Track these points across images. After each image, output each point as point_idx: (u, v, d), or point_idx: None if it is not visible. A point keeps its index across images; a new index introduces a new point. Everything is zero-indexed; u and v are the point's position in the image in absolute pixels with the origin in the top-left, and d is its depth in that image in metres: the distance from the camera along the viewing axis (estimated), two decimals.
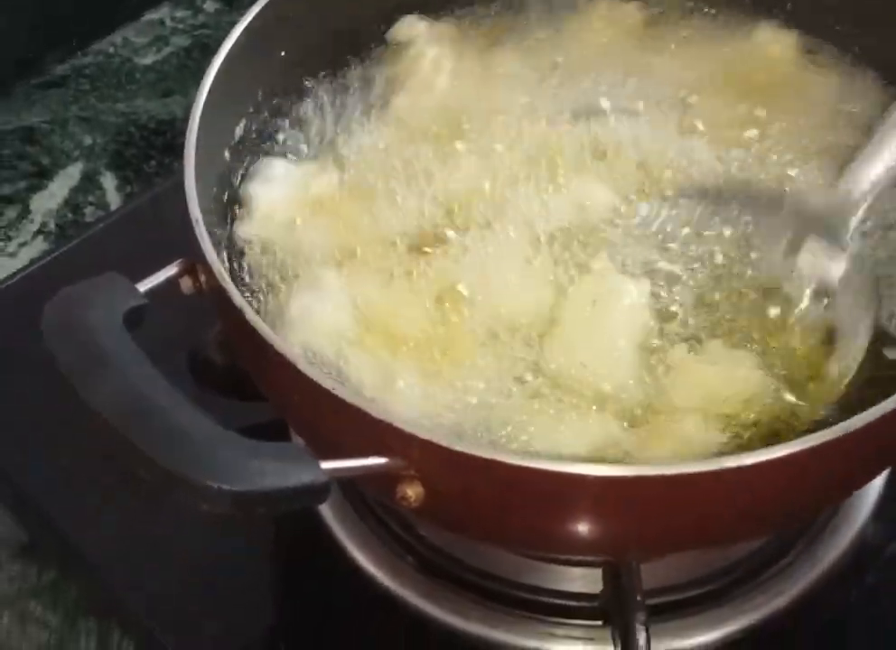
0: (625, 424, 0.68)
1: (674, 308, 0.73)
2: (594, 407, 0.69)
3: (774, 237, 0.75)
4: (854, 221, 0.74)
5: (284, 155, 0.80)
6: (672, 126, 0.81)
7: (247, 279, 0.75)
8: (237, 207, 0.78)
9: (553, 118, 0.81)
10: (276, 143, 0.81)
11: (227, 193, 0.78)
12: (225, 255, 0.75)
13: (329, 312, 0.72)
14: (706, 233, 0.76)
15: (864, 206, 0.75)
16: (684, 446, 0.67)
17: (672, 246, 0.75)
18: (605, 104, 0.82)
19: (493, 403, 0.69)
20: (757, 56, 0.85)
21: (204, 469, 0.57)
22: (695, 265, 0.74)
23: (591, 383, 0.69)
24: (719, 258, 0.74)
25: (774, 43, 0.85)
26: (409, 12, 0.86)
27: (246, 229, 0.76)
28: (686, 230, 0.76)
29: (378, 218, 0.77)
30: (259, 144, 0.81)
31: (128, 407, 0.59)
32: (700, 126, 0.81)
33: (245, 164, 0.80)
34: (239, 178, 0.79)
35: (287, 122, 0.82)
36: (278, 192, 0.78)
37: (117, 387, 0.60)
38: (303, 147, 0.81)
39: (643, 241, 0.75)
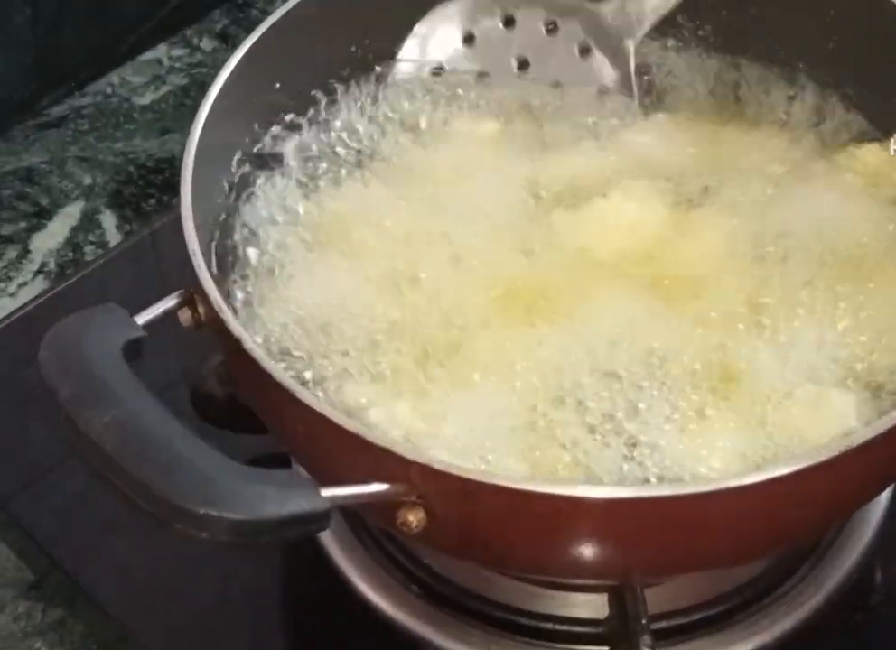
0: None
1: None
2: None
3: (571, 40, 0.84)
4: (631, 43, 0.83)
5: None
6: None
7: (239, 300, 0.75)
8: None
9: None
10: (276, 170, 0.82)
11: (226, 223, 0.78)
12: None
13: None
14: None
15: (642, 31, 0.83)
16: None
17: None
18: None
19: None
20: None
21: (203, 498, 0.57)
22: None
23: None
24: None
25: None
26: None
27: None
28: None
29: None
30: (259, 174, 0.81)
31: (127, 438, 0.59)
32: None
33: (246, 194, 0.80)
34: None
35: (287, 151, 0.82)
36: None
37: (116, 418, 0.59)
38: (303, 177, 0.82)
39: None
